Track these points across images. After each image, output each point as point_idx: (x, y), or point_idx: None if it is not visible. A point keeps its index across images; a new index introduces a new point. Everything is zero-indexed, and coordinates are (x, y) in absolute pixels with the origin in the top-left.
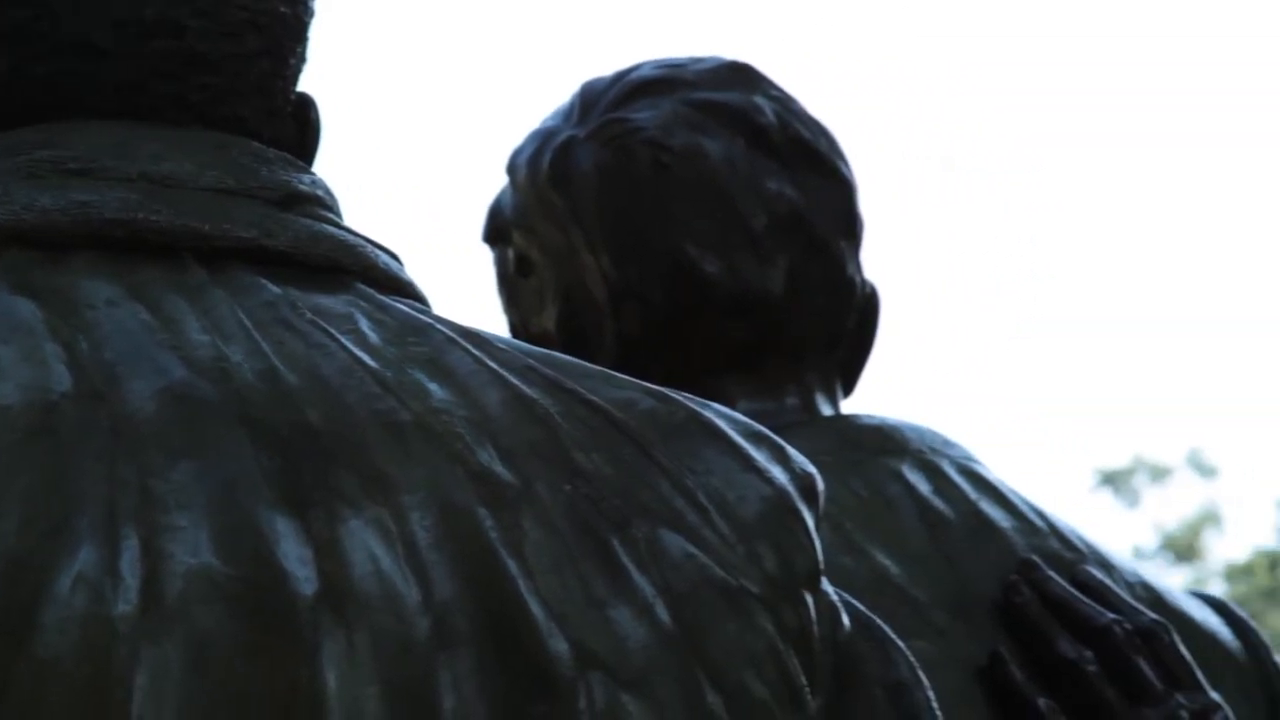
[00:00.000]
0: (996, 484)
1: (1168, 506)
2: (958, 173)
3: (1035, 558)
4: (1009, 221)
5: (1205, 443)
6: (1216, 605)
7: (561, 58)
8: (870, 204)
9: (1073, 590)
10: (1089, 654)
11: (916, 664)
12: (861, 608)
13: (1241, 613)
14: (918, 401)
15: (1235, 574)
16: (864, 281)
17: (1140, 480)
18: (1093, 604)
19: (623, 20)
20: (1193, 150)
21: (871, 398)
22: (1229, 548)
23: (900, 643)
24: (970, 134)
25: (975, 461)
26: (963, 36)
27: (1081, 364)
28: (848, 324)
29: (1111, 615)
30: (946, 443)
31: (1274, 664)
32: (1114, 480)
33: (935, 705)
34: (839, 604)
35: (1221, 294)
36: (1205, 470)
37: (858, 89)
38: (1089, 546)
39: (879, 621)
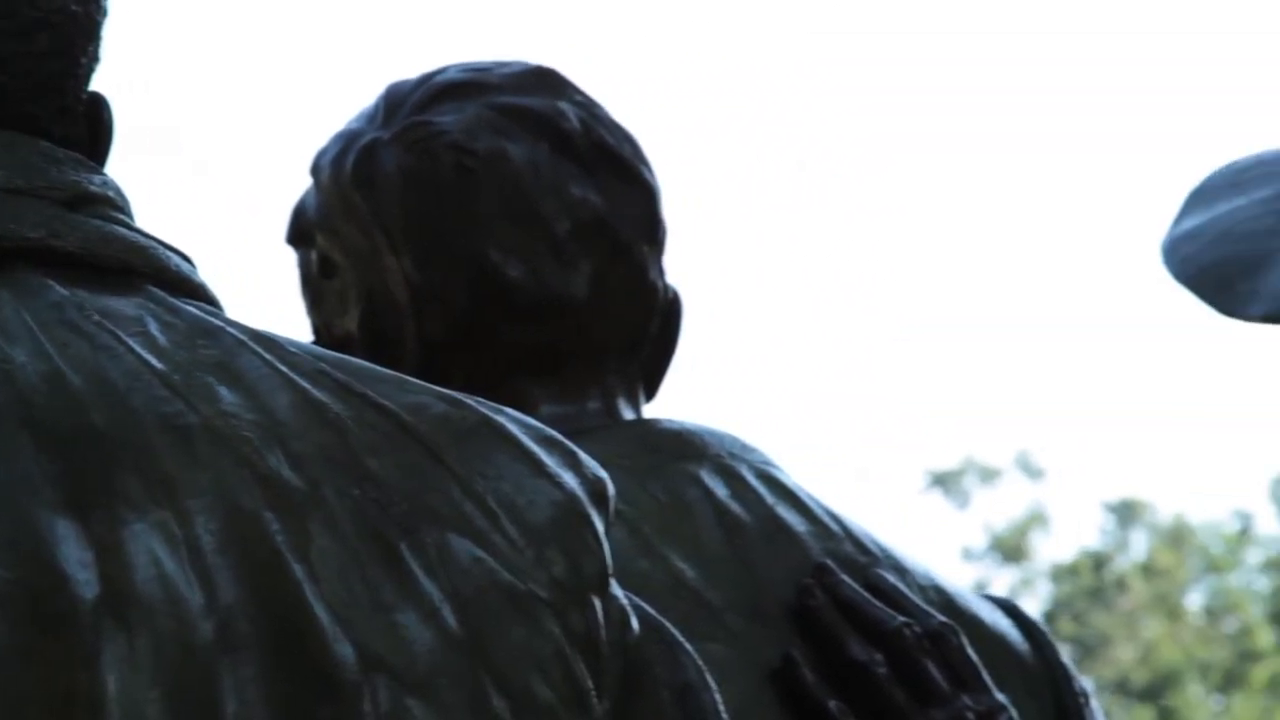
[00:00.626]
0: (794, 489)
1: (997, 507)
2: (810, 174)
3: (829, 562)
4: (854, 224)
5: (1033, 445)
6: (1007, 608)
7: (369, 60)
8: (721, 206)
9: (865, 594)
10: (879, 656)
11: (705, 667)
12: (651, 611)
13: (1031, 615)
14: (747, 402)
15: (1061, 574)
16: (667, 286)
17: (970, 481)
18: (884, 607)
19: (458, 22)
20: (1026, 153)
21: (701, 400)
22: (1055, 548)
23: (689, 646)
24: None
25: (774, 466)
26: (816, 35)
27: (913, 367)
28: (650, 329)
29: (902, 618)
30: (745, 447)
31: (1062, 666)
32: (944, 481)
33: (722, 708)
34: (628, 608)
35: (1049, 298)
36: (1033, 472)
37: (710, 91)
38: (883, 550)
39: (668, 625)
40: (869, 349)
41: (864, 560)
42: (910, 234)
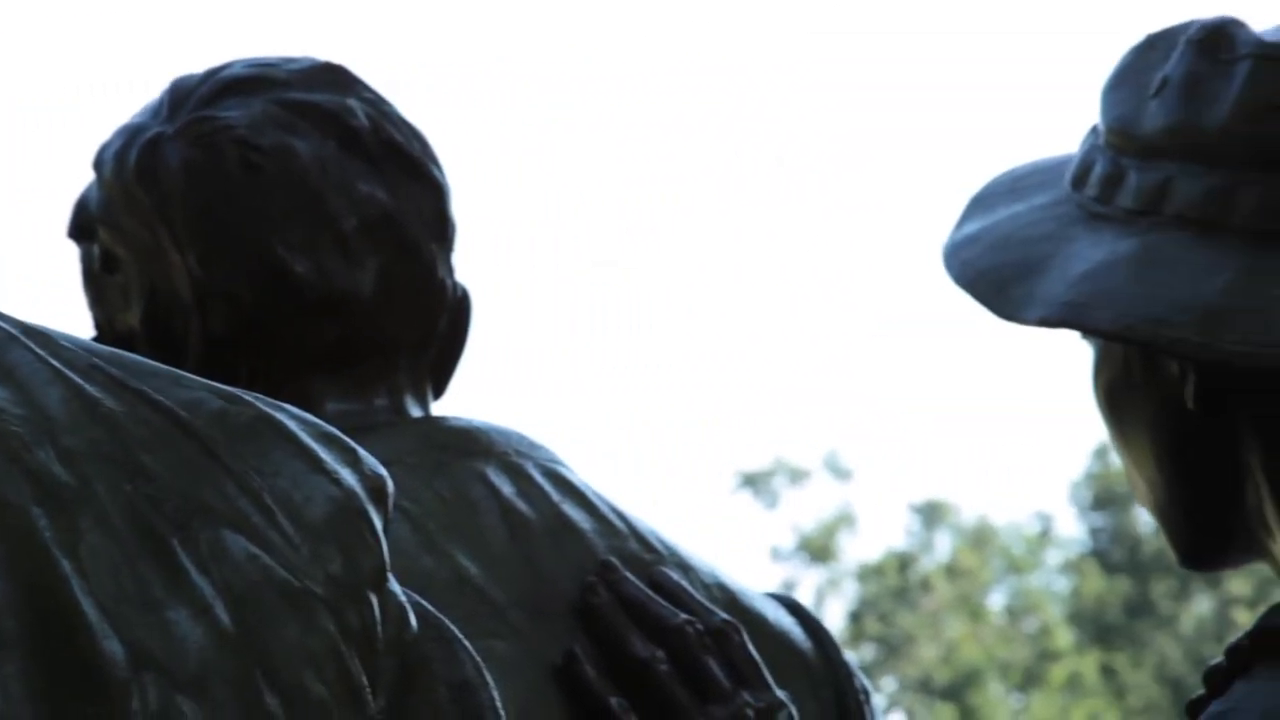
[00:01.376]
0: (580, 486)
1: (805, 508)
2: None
3: (614, 559)
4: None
5: (842, 446)
6: (791, 606)
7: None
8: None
9: (648, 591)
10: (661, 653)
11: (484, 665)
12: (430, 608)
13: (814, 614)
14: (564, 404)
15: (867, 574)
16: (455, 284)
17: (779, 482)
18: (666, 605)
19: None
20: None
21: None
22: (862, 549)
23: (467, 643)
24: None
25: (560, 464)
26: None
27: (724, 367)
28: (439, 326)
29: (684, 616)
30: (532, 445)
31: (844, 664)
32: (754, 482)
33: (499, 705)
34: (407, 605)
35: (856, 297)
36: (841, 473)
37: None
38: (668, 548)
39: (447, 622)
40: (679, 350)
41: (649, 558)
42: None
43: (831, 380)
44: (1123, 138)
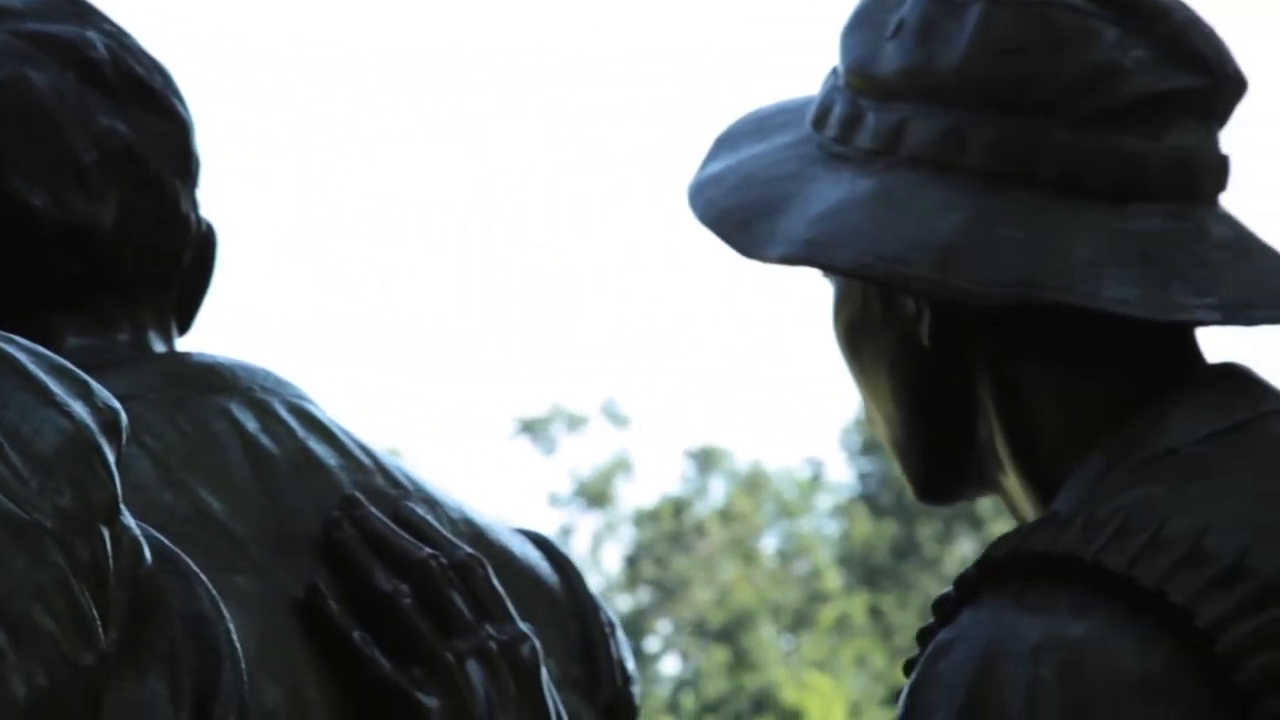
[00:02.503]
0: (327, 423)
1: (583, 454)
2: None
3: (359, 494)
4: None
5: (619, 393)
6: (539, 541)
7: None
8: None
9: (392, 526)
10: (404, 587)
11: (220, 598)
12: (166, 542)
13: (562, 549)
14: (319, 349)
15: (643, 519)
16: (200, 219)
17: (557, 428)
18: (410, 539)
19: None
20: None
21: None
22: (639, 494)
23: (204, 577)
24: None
25: (307, 400)
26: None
27: (502, 315)
28: (182, 262)
29: (428, 550)
30: (279, 382)
31: (590, 598)
32: (532, 428)
33: (235, 639)
34: (140, 538)
35: (637, 246)
36: (618, 420)
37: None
38: (414, 484)
39: (183, 556)
40: (465, 297)
41: (395, 493)
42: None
43: (609, 328)
44: (861, 79)
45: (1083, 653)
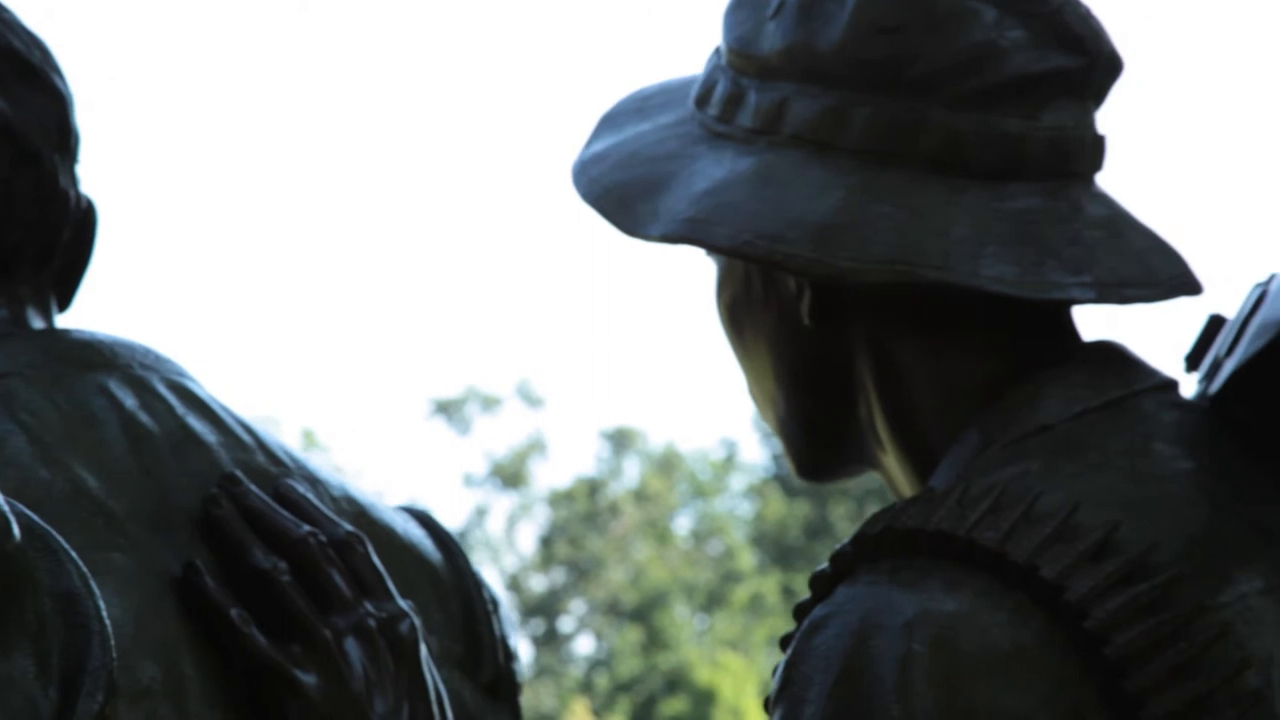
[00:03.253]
0: (207, 400)
1: (497, 435)
2: None
3: (238, 472)
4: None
5: (534, 374)
6: (423, 519)
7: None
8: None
9: (271, 503)
10: (283, 564)
11: (91, 576)
12: (36, 519)
13: (445, 527)
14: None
15: (558, 500)
16: (80, 195)
17: (472, 409)
18: (290, 516)
19: None
20: None
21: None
22: (553, 475)
23: (74, 554)
24: None
25: (187, 378)
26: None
27: (417, 295)
28: (61, 237)
29: (308, 527)
30: (159, 359)
31: (473, 575)
32: (447, 409)
33: (105, 616)
34: (9, 514)
35: (552, 229)
36: (533, 400)
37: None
38: (296, 462)
39: (53, 532)
40: (379, 278)
41: (275, 471)
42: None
43: (524, 309)
44: (742, 58)
45: (954, 627)
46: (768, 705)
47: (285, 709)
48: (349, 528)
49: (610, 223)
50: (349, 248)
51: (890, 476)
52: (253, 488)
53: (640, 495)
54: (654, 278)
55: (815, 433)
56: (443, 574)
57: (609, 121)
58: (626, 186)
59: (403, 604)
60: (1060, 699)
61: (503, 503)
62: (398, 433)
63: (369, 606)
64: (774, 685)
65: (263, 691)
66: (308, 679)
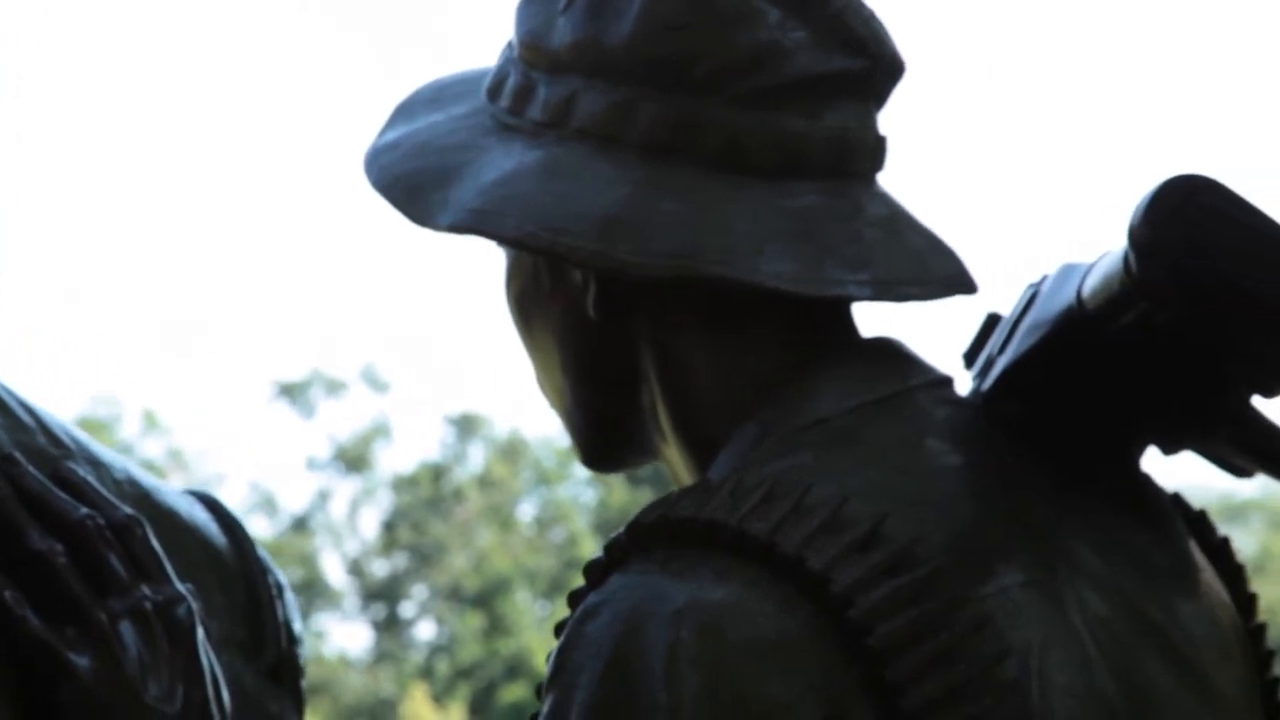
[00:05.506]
0: None
1: (342, 419)
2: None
3: (16, 453)
4: None
5: (379, 358)
6: (209, 503)
7: None
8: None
9: (49, 485)
10: (59, 546)
11: None
12: None
13: (232, 511)
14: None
15: (402, 484)
16: None
17: (316, 393)
18: (68, 499)
19: None
20: None
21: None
22: (397, 460)
23: None
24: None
25: None
26: None
27: (261, 276)
28: None
29: (86, 510)
30: None
31: (257, 559)
32: (291, 392)
33: None
34: None
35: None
36: (378, 385)
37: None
38: (78, 444)
39: None
40: (220, 258)
41: (56, 453)
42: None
43: (369, 292)
44: (533, 52)
45: (722, 616)
46: (539, 693)
47: (58, 691)
48: (128, 511)
49: (400, 211)
50: (191, 227)
51: (672, 467)
52: (30, 469)
53: (484, 481)
54: (499, 263)
55: (600, 424)
56: (226, 558)
57: (403, 111)
58: (417, 176)
59: (181, 588)
60: (825, 687)
61: (346, 487)
62: (241, 415)
63: (146, 590)
64: (547, 671)
65: (36, 674)
66: (80, 661)
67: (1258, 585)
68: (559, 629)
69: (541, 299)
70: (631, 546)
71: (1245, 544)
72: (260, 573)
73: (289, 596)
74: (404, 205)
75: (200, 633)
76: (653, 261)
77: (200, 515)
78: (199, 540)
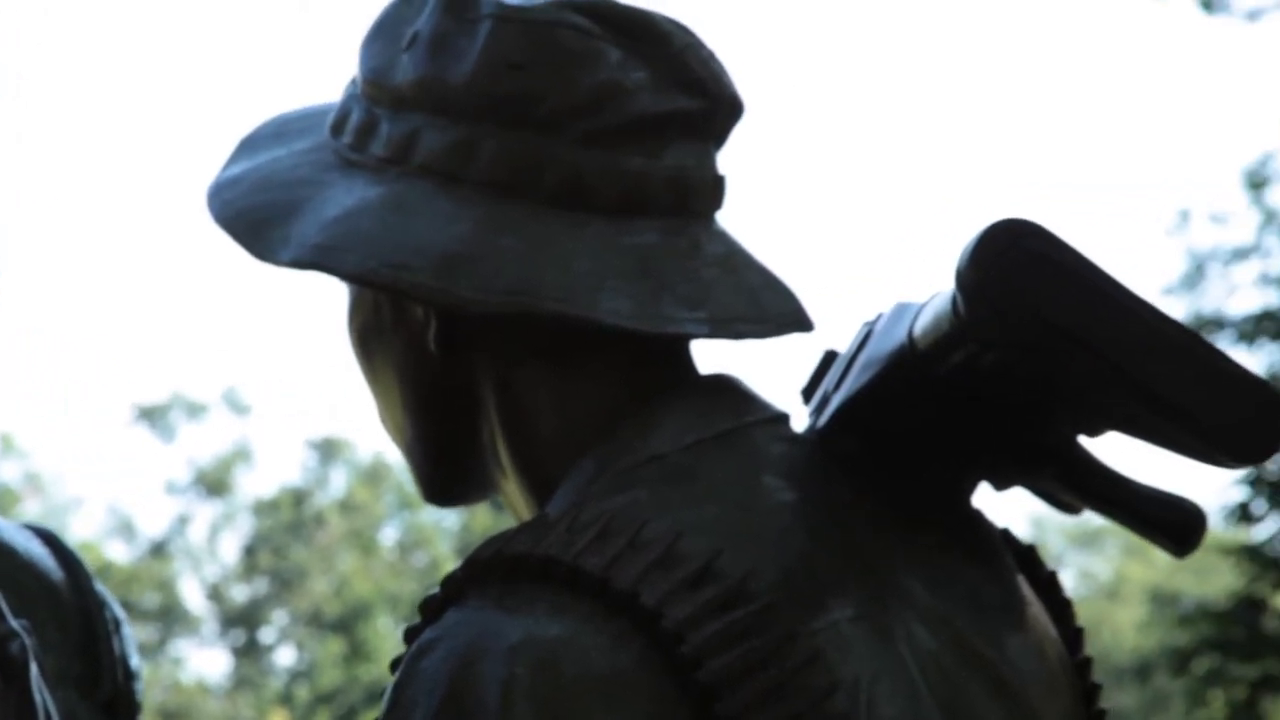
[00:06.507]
0: None
1: (202, 442)
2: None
3: None
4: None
5: (240, 381)
6: (46, 538)
7: None
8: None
9: None
10: None
11: None
12: None
13: (69, 546)
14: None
15: (263, 509)
16: None
17: (177, 416)
18: None
19: None
20: None
21: None
22: (258, 484)
23: None
24: None
25: None
26: None
27: (120, 298)
28: None
29: None
30: None
31: (94, 594)
32: (151, 415)
33: None
34: None
35: None
36: (239, 408)
37: None
38: None
39: None
40: (82, 281)
41: None
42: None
43: (231, 315)
44: (376, 88)
45: (556, 652)
46: None
47: None
48: None
49: (241, 246)
50: (49, 248)
51: (511, 502)
52: None
53: (346, 505)
54: (344, 298)
55: (440, 458)
56: (63, 593)
57: (247, 145)
58: (259, 211)
59: (14, 624)
60: None
61: (206, 511)
62: (99, 439)
63: None
64: (382, 708)
65: None
66: None
67: (1113, 610)
68: (394, 665)
69: (383, 334)
70: (467, 582)
71: (1100, 569)
72: (97, 607)
73: (126, 631)
74: (246, 240)
75: (34, 669)
76: (492, 298)
77: (37, 550)
78: (35, 575)
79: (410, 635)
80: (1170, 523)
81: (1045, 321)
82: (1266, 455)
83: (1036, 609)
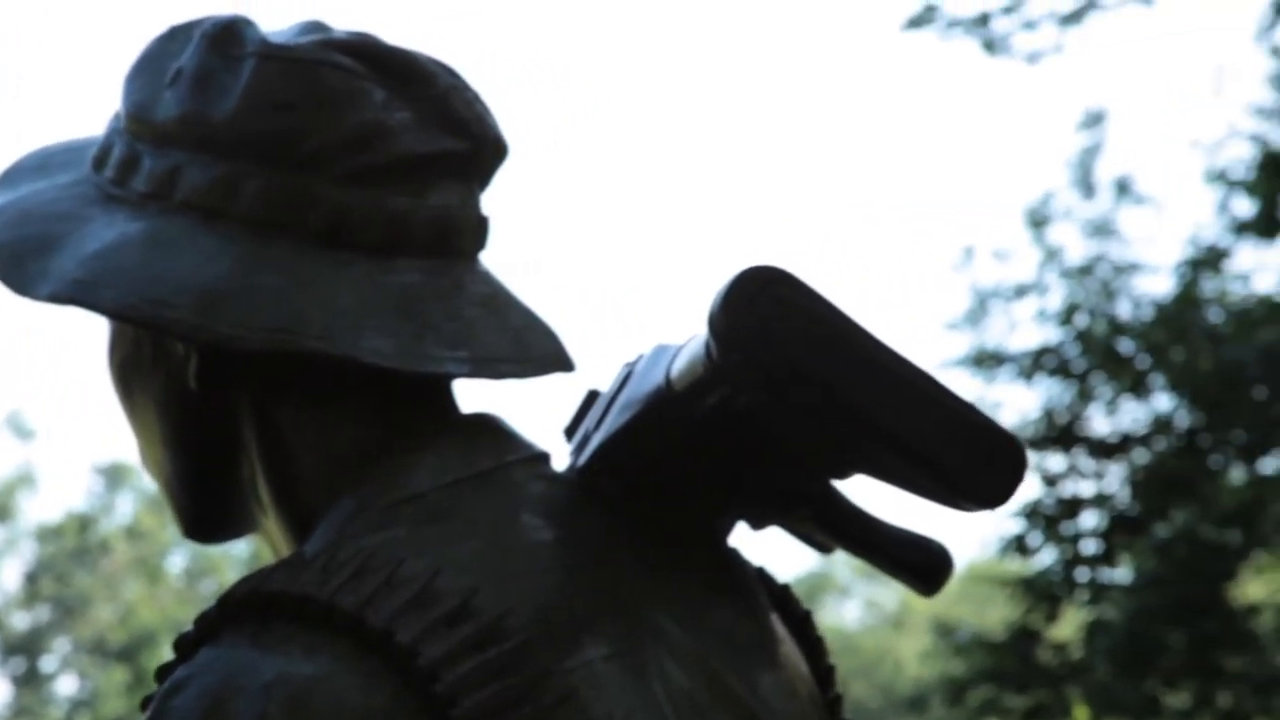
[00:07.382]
0: None
1: None
2: None
3: None
4: None
5: (24, 404)
6: None
7: None
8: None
9: None
10: None
11: None
12: None
13: None
14: None
15: (47, 534)
16: None
17: None
18: None
19: None
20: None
21: None
22: (42, 509)
23: None
24: None
25: None
26: None
27: None
28: None
29: None
30: None
31: None
32: None
33: None
34: None
35: None
36: (24, 432)
37: None
38: None
39: None
40: None
41: None
42: None
43: (15, 338)
44: (139, 124)
45: (310, 690)
46: None
47: None
48: None
49: (2, 281)
50: None
51: (271, 540)
52: None
53: (133, 532)
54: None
55: (200, 495)
56: None
57: (7, 178)
58: (18, 244)
59: None
60: None
61: None
62: None
63: None
64: None
65: None
66: None
67: (898, 640)
68: (145, 703)
69: (143, 369)
70: (222, 619)
71: (886, 599)
72: None
73: None
74: (5, 274)
75: None
76: (253, 335)
77: None
78: None
79: (162, 673)
80: (917, 564)
81: (793, 367)
82: (1004, 499)
83: (790, 647)
